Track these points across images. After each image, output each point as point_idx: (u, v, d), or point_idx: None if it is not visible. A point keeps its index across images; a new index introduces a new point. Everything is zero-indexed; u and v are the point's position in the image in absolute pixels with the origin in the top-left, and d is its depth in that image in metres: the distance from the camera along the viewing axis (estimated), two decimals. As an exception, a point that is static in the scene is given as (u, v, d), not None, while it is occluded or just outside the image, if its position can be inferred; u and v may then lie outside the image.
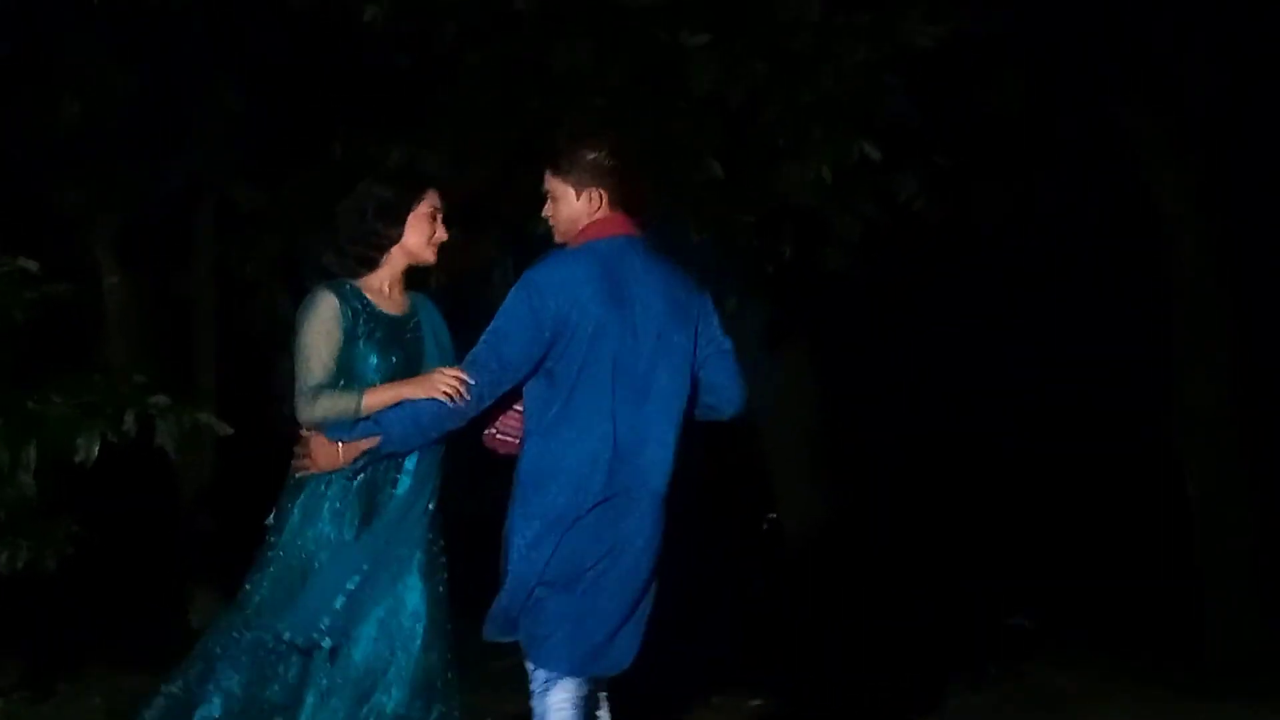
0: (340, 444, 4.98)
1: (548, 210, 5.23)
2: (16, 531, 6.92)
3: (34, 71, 9.86)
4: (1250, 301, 10.64)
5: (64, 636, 9.19)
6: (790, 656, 9.13)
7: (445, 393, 4.95)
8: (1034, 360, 12.67)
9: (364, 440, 4.97)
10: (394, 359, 5.06)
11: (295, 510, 5.06)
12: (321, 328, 4.99)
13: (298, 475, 5.06)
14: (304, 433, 5.03)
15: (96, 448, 6.63)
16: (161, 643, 9.72)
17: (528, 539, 5.04)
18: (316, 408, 4.97)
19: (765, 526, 10.90)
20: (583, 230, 5.17)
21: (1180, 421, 10.33)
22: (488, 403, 5.05)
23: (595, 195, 5.16)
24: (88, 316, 10.69)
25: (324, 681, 5.02)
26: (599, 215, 5.17)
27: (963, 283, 12.38)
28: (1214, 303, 10.22)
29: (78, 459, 6.66)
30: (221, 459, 10.63)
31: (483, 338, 5.05)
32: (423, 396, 4.97)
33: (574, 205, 5.17)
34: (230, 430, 7.00)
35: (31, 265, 6.77)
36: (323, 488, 5.04)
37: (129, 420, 6.67)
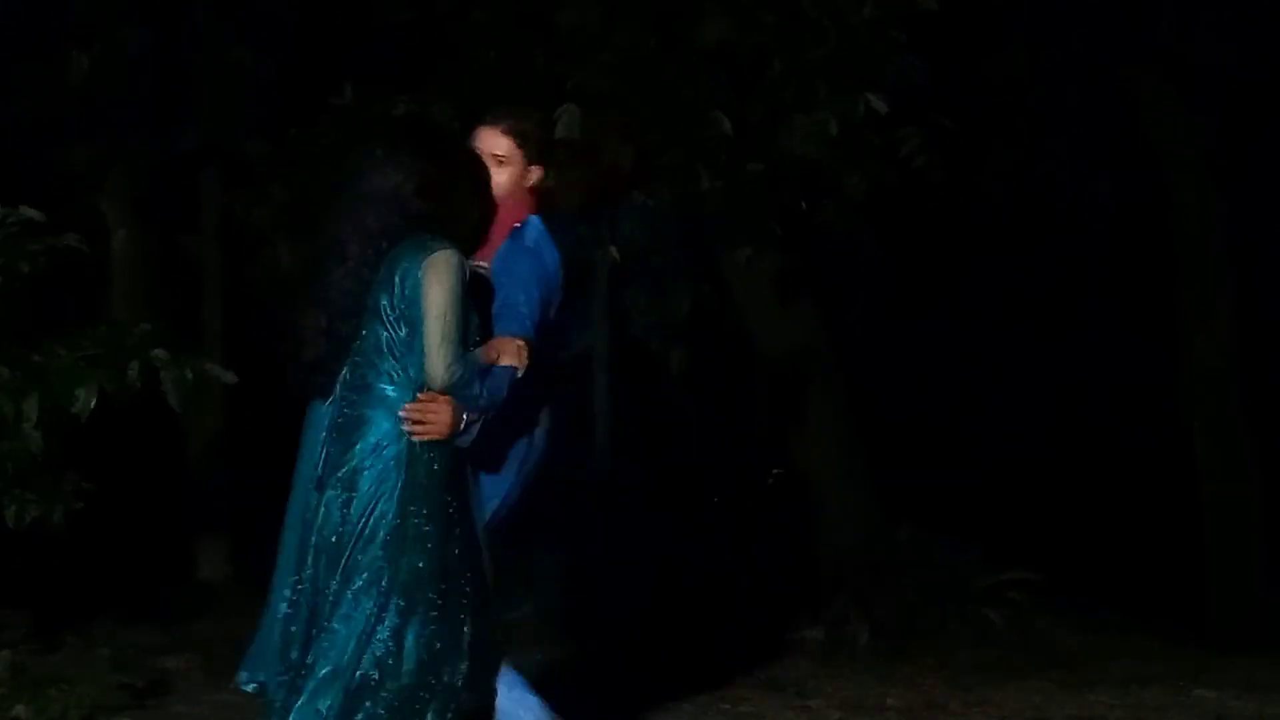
0: (466, 410, 4.83)
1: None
2: (24, 486, 6.92)
3: (43, 28, 9.85)
4: (1256, 261, 10.66)
5: (73, 590, 9.21)
6: (795, 609, 9.15)
7: (523, 361, 4.91)
8: (1044, 330, 12.68)
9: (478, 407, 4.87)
10: (477, 320, 4.98)
11: (426, 480, 4.83)
12: (458, 287, 4.79)
13: (416, 439, 4.79)
14: (422, 395, 4.81)
15: (94, 399, 6.62)
16: (170, 596, 9.81)
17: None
18: (462, 367, 4.80)
19: (770, 481, 10.93)
20: (523, 202, 5.17)
21: (1184, 380, 10.36)
22: None
23: (535, 172, 5.20)
24: (95, 273, 10.69)
25: None
26: (522, 191, 5.20)
27: (974, 255, 12.43)
28: (1218, 260, 10.23)
29: (75, 409, 6.66)
30: (230, 414, 10.64)
31: (520, 306, 5.01)
32: (508, 364, 4.91)
33: (514, 175, 5.16)
34: (234, 378, 7.00)
35: (36, 215, 6.75)
36: (441, 454, 4.86)
37: (133, 371, 6.65)
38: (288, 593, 4.93)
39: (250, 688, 5.04)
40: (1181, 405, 10.44)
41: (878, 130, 8.13)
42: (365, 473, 4.83)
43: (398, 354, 4.84)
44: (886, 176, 8.31)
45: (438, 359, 4.78)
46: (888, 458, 10.63)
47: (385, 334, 4.86)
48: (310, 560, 4.88)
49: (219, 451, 10.74)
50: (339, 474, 4.86)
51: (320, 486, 4.90)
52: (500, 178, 5.13)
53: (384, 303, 4.85)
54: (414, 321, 4.81)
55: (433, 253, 4.81)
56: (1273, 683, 7.78)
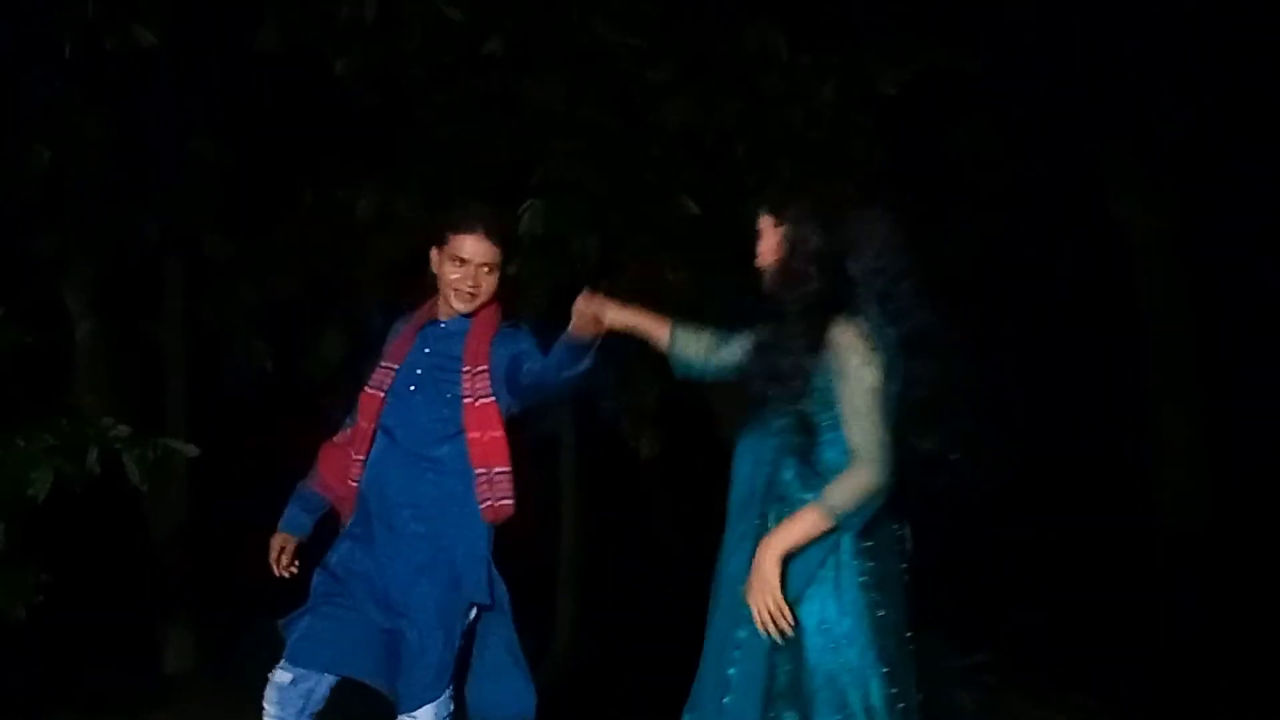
0: None
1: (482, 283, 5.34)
2: (-15, 579, 6.83)
3: (3, 118, 9.83)
4: (1221, 334, 10.67)
5: (35, 680, 9.09)
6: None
7: None
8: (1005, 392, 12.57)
9: None
10: None
11: None
12: None
13: None
14: None
15: (49, 483, 6.54)
16: (135, 687, 9.69)
17: None
18: None
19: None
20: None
21: (1153, 454, 10.35)
22: None
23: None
24: (59, 364, 10.63)
25: None
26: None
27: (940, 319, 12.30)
28: (1185, 336, 10.25)
29: (30, 492, 6.57)
30: (194, 501, 10.58)
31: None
32: None
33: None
34: (195, 450, 6.93)
35: (-5, 309, 6.72)
36: None
37: (92, 457, 6.60)
38: None
39: None
40: (1150, 481, 10.40)
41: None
42: None
43: None
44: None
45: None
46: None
47: None
48: None
49: (184, 539, 10.65)
50: None
51: None
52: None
53: None
54: None
55: None
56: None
